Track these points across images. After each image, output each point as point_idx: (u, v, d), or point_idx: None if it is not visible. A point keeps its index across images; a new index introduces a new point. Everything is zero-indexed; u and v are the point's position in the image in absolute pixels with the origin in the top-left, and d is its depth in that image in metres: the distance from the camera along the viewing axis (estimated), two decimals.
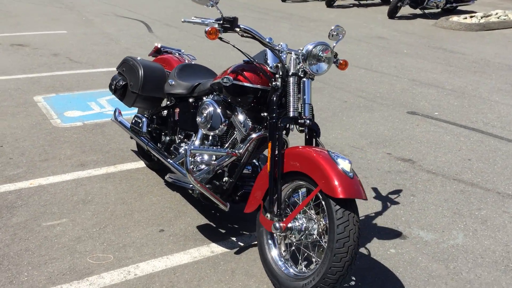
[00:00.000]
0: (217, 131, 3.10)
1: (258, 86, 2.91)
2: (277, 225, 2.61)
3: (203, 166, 3.11)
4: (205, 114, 3.14)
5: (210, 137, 3.21)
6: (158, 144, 3.72)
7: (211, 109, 3.12)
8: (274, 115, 2.77)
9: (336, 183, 2.41)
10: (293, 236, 2.67)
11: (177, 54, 3.97)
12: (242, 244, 3.16)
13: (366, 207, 3.66)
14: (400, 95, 6.44)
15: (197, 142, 3.25)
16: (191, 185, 3.07)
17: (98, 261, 2.92)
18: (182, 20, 2.89)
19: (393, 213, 3.62)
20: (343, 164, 2.48)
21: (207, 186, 3.05)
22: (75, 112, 5.26)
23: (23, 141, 4.46)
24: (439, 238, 3.33)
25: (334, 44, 3.08)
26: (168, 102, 3.73)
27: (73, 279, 2.76)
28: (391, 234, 3.36)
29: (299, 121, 2.75)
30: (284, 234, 2.67)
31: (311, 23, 11.51)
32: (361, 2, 14.69)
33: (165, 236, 3.20)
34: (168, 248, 3.08)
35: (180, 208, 3.53)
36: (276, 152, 2.71)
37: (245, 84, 2.93)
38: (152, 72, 3.68)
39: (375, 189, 3.95)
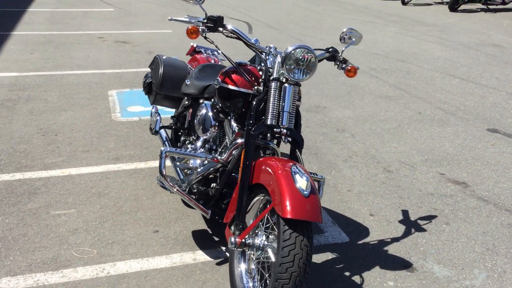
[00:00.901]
0: (208, 134, 3.00)
1: (243, 90, 2.75)
2: (233, 239, 2.44)
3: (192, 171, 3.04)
4: (198, 116, 3.06)
5: (210, 141, 3.12)
6: (179, 144, 3.70)
7: (203, 111, 3.03)
8: (250, 121, 2.61)
9: (287, 201, 2.20)
10: (252, 253, 2.49)
11: (205, 54, 3.91)
12: (228, 255, 3.02)
13: (384, 230, 3.33)
14: (487, 109, 5.78)
15: (198, 144, 3.18)
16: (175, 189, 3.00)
17: (80, 255, 2.97)
18: (169, 18, 2.83)
19: (413, 241, 3.23)
20: (300, 182, 2.26)
21: (194, 191, 2.96)
22: (138, 107, 5.45)
23: (77, 132, 4.71)
24: (453, 276, 2.91)
25: (343, 49, 2.83)
26: (187, 102, 3.70)
27: (50, 270, 2.83)
28: (398, 264, 3.00)
29: (275, 129, 2.55)
30: (240, 249, 2.49)
31: (422, 28, 10.81)
32: (490, 7, 13.49)
33: (156, 238, 3.16)
34: (153, 250, 3.04)
35: (185, 210, 3.48)
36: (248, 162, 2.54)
37: (231, 87, 2.79)
38: (173, 71, 3.66)
39: (404, 212, 3.57)
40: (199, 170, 2.97)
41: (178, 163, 3.25)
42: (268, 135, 2.61)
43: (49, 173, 3.92)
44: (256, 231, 2.50)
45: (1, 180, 3.78)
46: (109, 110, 5.33)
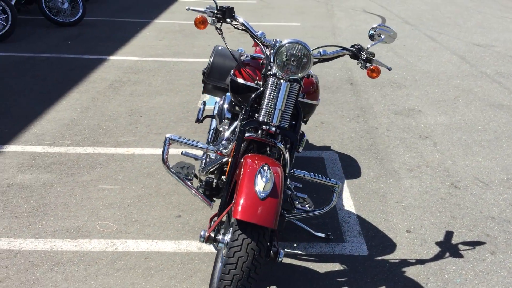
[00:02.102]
0: (222, 126, 3.01)
1: (247, 83, 2.71)
2: (202, 232, 2.43)
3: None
4: (218, 108, 3.08)
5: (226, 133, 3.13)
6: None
7: (221, 103, 3.05)
8: (245, 116, 2.56)
9: (241, 202, 2.14)
10: (222, 249, 2.46)
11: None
12: None
13: (414, 249, 3.06)
14: None
15: (215, 136, 3.20)
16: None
17: (101, 228, 3.18)
18: (187, 8, 2.87)
19: (441, 266, 2.91)
20: (260, 184, 2.17)
21: (201, 181, 2.99)
22: None
23: (160, 115, 5.00)
24: None
25: (368, 46, 2.65)
26: None
27: (69, 238, 3.09)
28: (408, 286, 2.73)
29: (264, 126, 2.48)
30: (209, 243, 2.47)
31: None
32: None
33: (175, 222, 3.27)
34: (166, 233, 3.15)
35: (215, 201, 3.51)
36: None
37: (239, 80, 2.77)
38: (222, 62, 3.70)
39: (449, 233, 3.21)
40: (208, 162, 2.99)
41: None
42: (259, 131, 2.53)
43: (116, 151, 4.23)
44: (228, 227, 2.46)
45: (74, 152, 4.17)
46: (199, 97, 5.55)
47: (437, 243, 3.11)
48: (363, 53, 2.69)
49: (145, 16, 9.70)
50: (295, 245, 3.07)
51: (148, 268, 2.83)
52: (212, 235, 2.41)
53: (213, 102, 4.38)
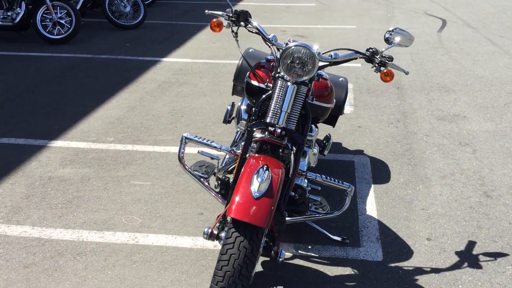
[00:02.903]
0: (238, 126, 3.09)
1: (258, 85, 2.78)
2: (206, 229, 2.52)
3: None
4: (237, 109, 3.16)
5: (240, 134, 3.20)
6: None
7: (239, 104, 3.12)
8: (253, 117, 2.64)
9: (237, 200, 2.21)
10: None
11: None
12: None
13: (431, 258, 3.02)
14: None
15: (236, 137, 3.28)
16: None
17: (127, 222, 3.35)
18: (206, 12, 2.96)
19: (456, 276, 2.86)
20: (255, 183, 2.24)
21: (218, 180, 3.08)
22: None
23: (201, 116, 5.16)
24: None
25: (383, 50, 2.65)
26: None
27: (95, 229, 3.27)
28: None
29: (269, 128, 2.53)
30: (212, 240, 2.55)
31: None
32: None
33: (196, 219, 3.38)
34: (186, 230, 3.27)
35: None
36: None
37: (252, 82, 2.84)
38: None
39: (471, 243, 3.13)
40: (226, 162, 3.07)
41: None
42: (266, 133, 2.59)
43: (153, 148, 4.41)
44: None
45: (114, 149, 4.39)
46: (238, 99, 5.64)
47: (457, 253, 3.03)
48: (377, 57, 2.67)
49: (204, 20, 9.94)
50: (309, 247, 3.09)
51: (163, 262, 2.95)
52: (216, 232, 2.48)
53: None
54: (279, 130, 2.53)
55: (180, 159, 2.96)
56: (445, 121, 5.00)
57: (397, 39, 2.74)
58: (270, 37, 2.70)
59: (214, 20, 2.74)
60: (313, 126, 3.04)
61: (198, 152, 3.04)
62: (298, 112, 2.59)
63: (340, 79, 3.74)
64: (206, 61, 7.11)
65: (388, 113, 5.20)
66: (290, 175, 2.51)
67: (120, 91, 5.81)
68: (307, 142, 3.08)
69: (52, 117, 5.04)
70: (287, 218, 2.90)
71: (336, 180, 2.87)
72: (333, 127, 3.83)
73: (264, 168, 2.32)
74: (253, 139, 2.78)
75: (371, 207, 3.51)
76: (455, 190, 3.72)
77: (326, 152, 3.75)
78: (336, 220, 3.36)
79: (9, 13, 7.83)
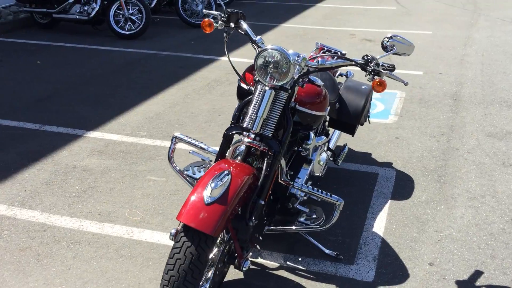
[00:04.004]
0: None
1: (246, 89, 2.72)
2: (172, 231, 2.49)
3: None
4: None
5: None
6: None
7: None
8: (232, 121, 2.59)
9: (188, 204, 2.18)
10: None
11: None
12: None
13: (427, 284, 2.78)
14: None
15: None
16: None
17: (129, 216, 3.41)
18: (203, 11, 2.94)
19: None
20: (208, 189, 2.18)
21: None
22: None
23: None
24: None
25: (378, 57, 2.51)
26: None
27: (97, 220, 3.36)
28: None
29: (244, 132, 2.47)
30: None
31: None
32: None
33: None
34: None
35: None
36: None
37: (241, 85, 2.79)
38: None
39: (477, 273, 2.88)
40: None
41: None
42: (241, 137, 2.52)
43: (180, 145, 4.44)
44: None
45: (143, 143, 4.49)
46: None
47: (458, 282, 2.78)
48: (372, 65, 2.51)
49: (276, 20, 9.92)
50: (300, 259, 2.97)
51: (148, 259, 2.96)
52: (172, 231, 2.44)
53: None
54: (253, 136, 2.45)
55: (169, 158, 2.95)
56: (494, 138, 4.62)
57: (394, 47, 2.55)
58: (256, 39, 2.63)
59: (206, 20, 2.71)
60: (312, 133, 2.91)
61: (190, 152, 3.02)
62: (277, 118, 2.50)
63: (363, 87, 3.56)
64: None
65: (434, 125, 4.90)
66: (259, 183, 2.41)
67: (169, 87, 5.93)
68: (306, 150, 2.94)
69: (97, 108, 5.24)
70: (272, 227, 2.81)
71: (325, 192, 2.73)
72: (352, 136, 3.66)
73: (225, 173, 2.25)
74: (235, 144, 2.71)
75: (380, 224, 3.31)
76: (479, 214, 3.42)
77: (339, 162, 3.60)
78: (337, 233, 3.20)
79: (85, 8, 8.26)
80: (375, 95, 5.63)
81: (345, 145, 3.70)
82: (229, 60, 2.77)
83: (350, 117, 3.47)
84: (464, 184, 3.80)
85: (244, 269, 2.42)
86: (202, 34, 8.66)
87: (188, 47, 7.81)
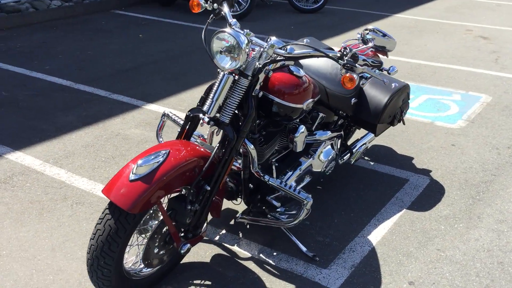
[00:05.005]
0: None
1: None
2: None
3: None
4: None
5: None
6: None
7: None
8: (198, 103, 2.61)
9: (113, 180, 2.25)
10: None
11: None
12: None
13: None
14: None
15: None
16: None
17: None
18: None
19: None
20: (136, 165, 2.23)
21: None
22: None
23: None
24: None
25: (354, 50, 2.38)
26: None
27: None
28: None
29: (200, 115, 2.48)
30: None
31: None
32: None
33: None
34: None
35: None
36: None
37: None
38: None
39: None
40: None
41: None
42: (201, 120, 2.51)
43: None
44: None
45: None
46: None
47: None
48: (346, 58, 2.33)
49: (391, 10, 9.49)
50: (274, 253, 2.89)
51: None
52: None
53: None
54: (207, 119, 2.43)
55: (157, 134, 3.02)
56: None
57: (374, 40, 2.34)
58: (232, 22, 2.56)
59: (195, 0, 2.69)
60: (301, 126, 2.78)
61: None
62: (235, 105, 2.44)
63: (393, 84, 3.31)
64: None
65: (504, 136, 4.38)
66: (204, 168, 2.38)
67: None
68: (293, 142, 2.81)
69: (168, 83, 5.49)
70: (244, 216, 2.78)
71: (293, 188, 2.62)
72: (375, 135, 3.42)
73: (161, 153, 2.26)
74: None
75: (379, 232, 3.08)
76: (499, 239, 3.03)
77: (352, 161, 3.40)
78: (329, 235, 3.05)
79: None
80: (455, 97, 5.18)
81: (361, 145, 3.48)
82: (205, 45, 2.71)
83: (369, 115, 3.24)
84: (501, 205, 3.38)
85: (182, 251, 2.41)
86: (306, 19, 8.57)
87: (285, 31, 7.79)
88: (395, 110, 3.36)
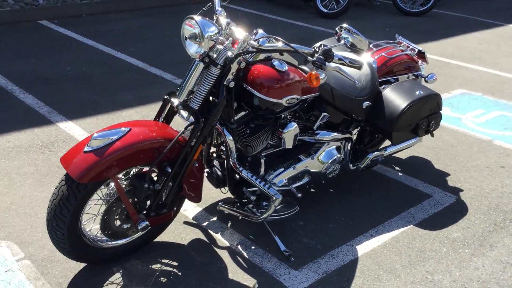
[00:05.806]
0: None
1: None
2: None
3: None
4: None
5: None
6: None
7: None
8: (178, 88, 2.69)
9: (71, 149, 2.42)
10: None
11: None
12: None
13: None
14: None
15: None
16: None
17: None
18: None
19: None
20: (92, 138, 2.36)
21: None
22: (457, 114, 4.97)
23: None
24: None
25: (327, 46, 2.37)
26: None
27: None
28: None
29: (171, 99, 2.56)
30: None
31: None
32: None
33: None
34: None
35: None
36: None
37: None
38: None
39: None
40: None
41: None
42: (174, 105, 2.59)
43: None
44: None
45: None
46: None
47: None
48: (316, 55, 2.27)
49: (509, 20, 8.77)
50: (252, 247, 2.88)
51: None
52: None
53: None
54: (176, 104, 2.49)
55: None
56: None
57: (347, 39, 2.24)
58: (218, 10, 2.59)
59: None
60: (293, 123, 2.73)
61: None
62: (205, 92, 2.47)
63: (417, 92, 3.13)
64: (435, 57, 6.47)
65: None
66: (165, 150, 2.43)
67: None
68: (281, 138, 2.76)
69: None
70: (224, 205, 2.81)
71: (263, 184, 2.60)
72: (392, 143, 3.25)
73: (123, 129, 2.36)
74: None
75: (370, 244, 2.93)
76: (504, 273, 2.74)
77: (361, 167, 3.27)
78: (316, 238, 2.97)
79: None
80: None
81: (376, 153, 3.30)
82: (182, 39, 2.75)
83: (383, 121, 3.09)
84: None
85: (139, 227, 2.50)
86: (406, 23, 8.23)
87: (378, 33, 7.55)
88: (417, 119, 3.16)
